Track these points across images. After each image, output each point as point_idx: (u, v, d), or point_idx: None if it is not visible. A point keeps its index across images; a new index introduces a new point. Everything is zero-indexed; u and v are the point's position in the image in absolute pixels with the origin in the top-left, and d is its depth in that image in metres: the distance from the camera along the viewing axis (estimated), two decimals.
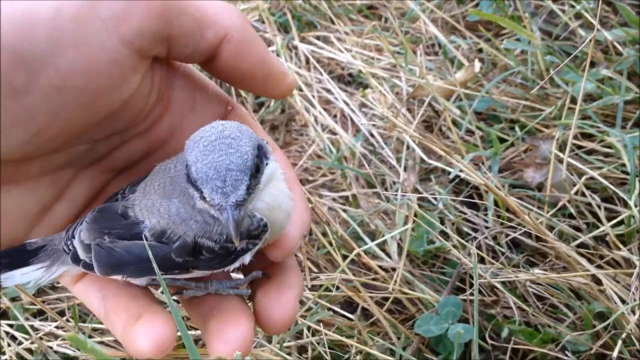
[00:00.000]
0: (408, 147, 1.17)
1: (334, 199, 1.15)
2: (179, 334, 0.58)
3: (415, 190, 1.12)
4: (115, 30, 0.54)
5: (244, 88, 0.65)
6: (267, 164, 0.58)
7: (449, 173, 1.10)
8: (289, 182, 0.62)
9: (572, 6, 1.30)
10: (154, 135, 0.65)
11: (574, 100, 1.14)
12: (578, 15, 1.30)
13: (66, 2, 0.53)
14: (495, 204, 1.04)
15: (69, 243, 0.62)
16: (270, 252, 0.62)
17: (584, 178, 1.03)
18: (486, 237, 1.04)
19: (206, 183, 0.54)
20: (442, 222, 1.06)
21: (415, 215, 1.02)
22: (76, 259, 0.61)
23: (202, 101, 0.66)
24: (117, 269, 0.60)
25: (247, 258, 0.60)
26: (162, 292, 0.66)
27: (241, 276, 0.66)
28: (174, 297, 0.67)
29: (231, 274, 0.66)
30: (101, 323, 1.01)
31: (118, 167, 0.66)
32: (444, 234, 1.04)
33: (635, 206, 0.97)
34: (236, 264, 0.60)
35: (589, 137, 1.14)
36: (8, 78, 0.51)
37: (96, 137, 0.62)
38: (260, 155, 0.57)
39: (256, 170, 0.56)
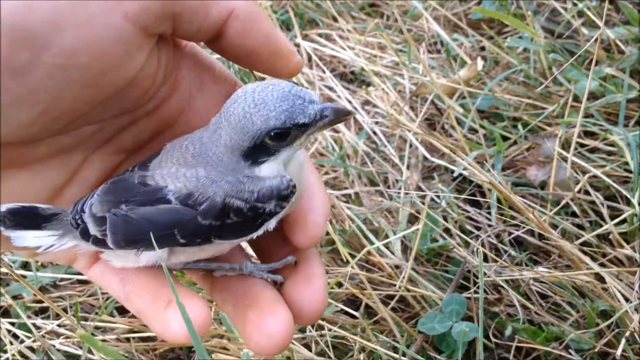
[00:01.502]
0: (411, 145, 1.17)
1: (336, 197, 1.15)
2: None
3: (418, 189, 1.12)
4: (118, 7, 0.54)
5: (250, 67, 0.64)
6: None
7: (452, 171, 1.10)
8: (308, 166, 0.63)
9: (575, 4, 1.30)
10: (162, 115, 0.64)
11: (576, 98, 1.14)
12: (580, 13, 1.30)
13: None
14: (499, 202, 1.04)
15: (77, 217, 0.60)
16: (296, 238, 0.62)
17: (587, 176, 1.03)
18: (489, 235, 1.04)
19: (291, 110, 0.56)
20: (446, 220, 1.06)
21: (419, 213, 1.02)
22: (86, 234, 0.59)
23: (209, 81, 0.65)
24: (135, 239, 0.58)
25: (272, 224, 0.60)
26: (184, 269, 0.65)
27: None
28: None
29: (254, 262, 0.66)
30: (104, 321, 1.01)
31: (127, 148, 0.65)
32: (447, 232, 1.04)
33: (639, 204, 0.97)
34: (260, 231, 0.60)
35: (591, 135, 1.14)
36: (10, 57, 0.51)
37: (103, 117, 0.61)
38: None
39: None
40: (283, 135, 0.57)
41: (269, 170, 0.59)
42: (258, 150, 0.57)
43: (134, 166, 0.62)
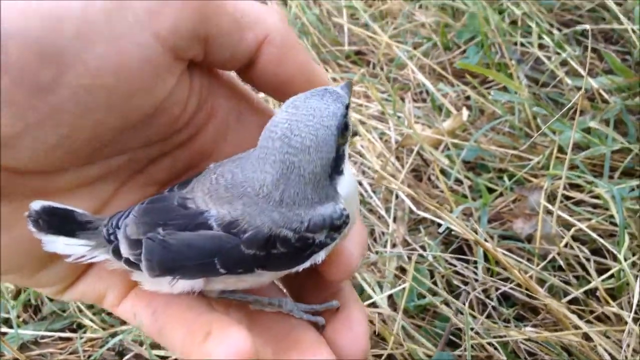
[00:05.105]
0: (397, 197, 1.17)
1: None
2: None
3: (405, 242, 1.11)
4: (148, 26, 0.51)
5: (282, 98, 0.59)
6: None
7: (439, 224, 1.09)
8: None
9: (558, 53, 1.31)
10: (197, 146, 0.61)
11: (561, 149, 1.14)
12: (564, 63, 1.31)
13: None
14: (485, 257, 1.04)
15: (111, 232, 0.56)
16: (328, 271, 0.58)
17: (572, 230, 1.03)
18: (476, 290, 1.03)
19: (331, 95, 0.54)
20: (432, 275, 1.05)
21: (405, 271, 1.01)
22: (118, 254, 0.55)
23: (247, 112, 0.62)
24: (171, 267, 0.54)
25: (321, 256, 0.56)
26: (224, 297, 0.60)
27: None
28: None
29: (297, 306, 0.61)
30: None
31: (161, 180, 0.61)
32: (434, 286, 1.03)
33: (625, 260, 0.96)
34: (307, 264, 0.56)
35: (577, 187, 1.14)
36: (35, 73, 0.48)
37: (132, 146, 0.57)
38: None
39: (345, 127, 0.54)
40: (347, 126, 0.54)
41: (348, 178, 0.56)
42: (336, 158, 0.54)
43: (174, 185, 0.59)
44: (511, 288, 1.01)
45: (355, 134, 1.31)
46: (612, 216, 1.06)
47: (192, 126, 0.59)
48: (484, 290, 1.04)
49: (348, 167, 0.57)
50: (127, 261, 0.55)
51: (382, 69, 1.41)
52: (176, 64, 0.54)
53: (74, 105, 0.50)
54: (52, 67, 0.48)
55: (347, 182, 0.56)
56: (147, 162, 0.60)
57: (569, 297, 0.98)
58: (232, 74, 0.63)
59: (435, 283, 1.03)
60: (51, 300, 1.12)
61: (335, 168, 0.54)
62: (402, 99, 1.33)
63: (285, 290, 0.66)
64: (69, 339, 1.07)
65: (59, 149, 0.52)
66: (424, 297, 1.02)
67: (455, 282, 1.06)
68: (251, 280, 0.57)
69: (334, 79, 1.41)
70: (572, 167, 1.14)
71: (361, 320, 0.60)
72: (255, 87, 0.61)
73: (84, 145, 0.53)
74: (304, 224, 0.54)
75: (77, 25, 0.48)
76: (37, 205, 0.54)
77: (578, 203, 1.12)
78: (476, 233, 1.03)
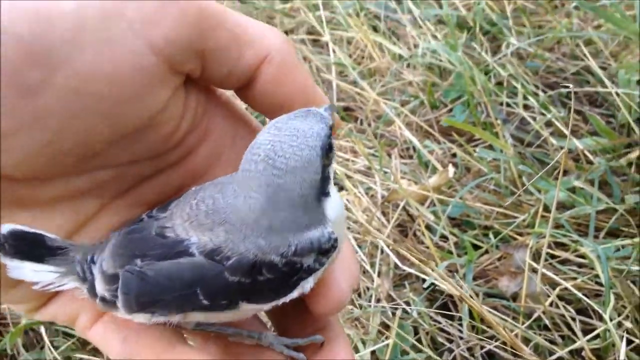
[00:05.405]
0: (382, 252, 1.16)
1: None
2: None
3: (389, 297, 1.10)
4: (142, 34, 0.49)
5: None
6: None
7: (424, 280, 1.08)
8: None
9: (543, 114, 1.33)
10: (189, 166, 0.58)
11: (546, 208, 1.14)
12: (549, 123, 1.32)
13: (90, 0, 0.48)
14: (470, 314, 1.03)
15: (86, 268, 0.53)
16: (315, 304, 0.55)
17: (557, 290, 1.03)
18: (461, 347, 1.02)
19: (315, 116, 0.51)
20: (417, 332, 1.04)
21: (389, 327, 1.00)
22: (93, 292, 0.52)
23: (243, 136, 0.59)
24: (150, 301, 0.51)
25: (309, 283, 0.52)
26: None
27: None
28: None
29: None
30: None
31: (149, 201, 0.58)
32: (418, 342, 1.02)
33: (611, 319, 0.96)
34: (295, 293, 0.52)
35: (562, 246, 1.14)
36: (22, 74, 0.46)
37: (121, 160, 0.54)
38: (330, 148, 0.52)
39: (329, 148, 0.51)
40: (331, 147, 0.52)
41: (335, 201, 0.53)
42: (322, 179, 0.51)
43: (150, 211, 0.55)
44: (496, 346, 1.00)
45: (341, 188, 1.31)
46: (597, 276, 1.05)
47: (185, 145, 0.57)
48: (469, 349, 1.02)
49: (334, 190, 0.54)
50: (103, 299, 0.52)
51: (369, 125, 1.42)
52: (171, 77, 0.52)
53: (62, 109, 0.48)
54: (40, 68, 0.46)
55: (335, 204, 0.53)
56: (136, 180, 0.57)
57: (554, 357, 0.97)
58: (231, 94, 0.61)
59: (419, 339, 1.01)
60: (27, 350, 1.10)
61: (321, 190, 0.52)
62: (389, 155, 1.34)
63: (270, 324, 0.64)
64: None
65: (45, 154, 0.50)
66: (407, 353, 1.00)
67: (440, 340, 1.04)
68: (232, 313, 0.54)
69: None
70: (558, 226, 1.14)
71: (347, 358, 0.57)
72: (253, 108, 0.58)
73: (71, 153, 0.51)
74: (292, 248, 0.51)
75: (69, 29, 0.47)
76: (5, 229, 0.51)
77: (563, 262, 1.11)
78: (461, 288, 1.02)
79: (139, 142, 0.54)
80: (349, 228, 1.23)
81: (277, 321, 0.62)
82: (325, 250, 0.52)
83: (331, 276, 0.55)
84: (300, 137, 0.51)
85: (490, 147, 1.27)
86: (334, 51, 1.55)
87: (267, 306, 0.54)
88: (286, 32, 1.70)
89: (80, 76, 0.48)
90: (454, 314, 1.05)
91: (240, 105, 0.62)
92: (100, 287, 0.52)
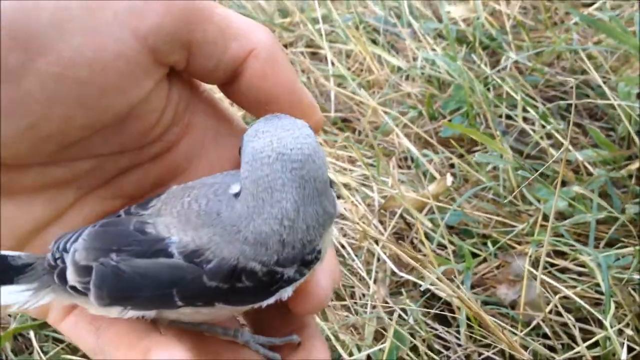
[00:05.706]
0: (379, 259, 1.14)
1: None
2: None
3: (386, 304, 1.08)
4: (128, 23, 0.49)
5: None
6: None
7: (420, 286, 1.06)
8: None
9: (543, 126, 1.32)
10: (170, 162, 0.57)
11: (546, 218, 1.13)
12: (549, 135, 1.31)
13: None
14: (468, 320, 1.01)
15: (57, 256, 0.51)
16: (295, 303, 0.54)
17: (558, 296, 1.01)
18: (458, 354, 0.99)
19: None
20: (413, 338, 1.02)
21: (385, 330, 0.98)
22: (63, 279, 0.50)
23: (225, 133, 0.59)
24: (123, 296, 0.49)
25: (288, 292, 0.51)
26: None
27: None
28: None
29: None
30: None
31: (127, 194, 0.57)
32: (414, 350, 0.99)
33: (611, 327, 0.94)
34: (272, 299, 0.51)
35: (562, 254, 1.12)
36: (3, 58, 0.46)
37: (101, 151, 0.54)
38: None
39: None
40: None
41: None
42: None
43: (129, 207, 0.54)
44: (494, 353, 0.98)
45: (338, 197, 1.30)
46: (597, 284, 1.04)
47: (166, 140, 0.57)
48: (466, 356, 1.00)
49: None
50: (74, 288, 0.51)
51: (367, 135, 1.41)
52: (155, 68, 0.52)
53: (42, 94, 0.48)
54: (22, 52, 0.46)
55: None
56: (115, 172, 0.57)
57: None
58: (214, 91, 0.61)
59: (415, 347, 0.99)
60: (16, 355, 1.08)
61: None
62: (387, 164, 1.32)
63: (245, 322, 0.62)
64: None
65: (25, 140, 0.49)
66: None
67: (437, 347, 1.02)
68: (209, 313, 0.53)
69: (320, 143, 1.41)
70: (557, 235, 1.12)
71: (323, 358, 0.56)
72: (238, 104, 0.58)
73: (51, 141, 0.51)
74: (274, 257, 0.49)
75: (53, 13, 0.47)
76: None
77: (563, 270, 1.10)
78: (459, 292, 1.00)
79: (119, 133, 0.53)
80: (345, 235, 1.21)
81: (253, 320, 0.61)
82: (308, 261, 0.51)
83: (312, 276, 0.54)
84: (296, 130, 0.49)
85: (488, 155, 1.26)
86: (332, 63, 1.55)
87: (244, 309, 0.54)
88: (285, 46, 1.70)
89: (63, 62, 0.48)
90: (451, 315, 1.03)
91: (224, 103, 0.61)
92: (72, 278, 0.51)
